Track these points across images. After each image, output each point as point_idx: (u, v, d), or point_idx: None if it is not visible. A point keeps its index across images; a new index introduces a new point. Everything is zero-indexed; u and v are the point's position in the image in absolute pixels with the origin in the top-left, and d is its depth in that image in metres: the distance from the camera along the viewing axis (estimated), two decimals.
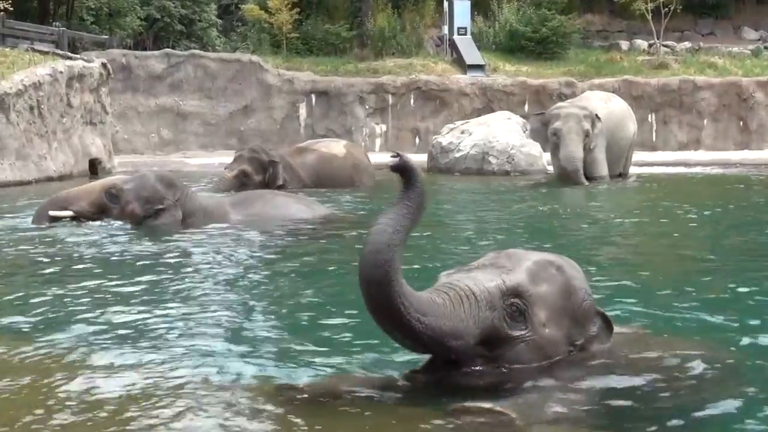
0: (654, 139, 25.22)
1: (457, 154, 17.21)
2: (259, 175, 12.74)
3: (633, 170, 16.22)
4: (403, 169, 2.92)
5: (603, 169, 14.75)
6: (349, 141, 17.48)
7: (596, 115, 14.43)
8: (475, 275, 3.16)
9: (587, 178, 14.42)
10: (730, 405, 3.11)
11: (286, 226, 8.27)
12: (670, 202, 11.58)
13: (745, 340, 4.02)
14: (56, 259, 6.52)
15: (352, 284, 5.36)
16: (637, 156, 16.97)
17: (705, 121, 25.79)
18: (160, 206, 7.92)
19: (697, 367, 3.36)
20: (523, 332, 3.11)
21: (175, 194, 8.06)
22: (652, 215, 10.25)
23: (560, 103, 15.82)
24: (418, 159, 19.92)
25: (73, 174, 16.36)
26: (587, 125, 14.30)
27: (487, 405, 2.87)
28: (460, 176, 16.36)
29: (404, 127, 24.86)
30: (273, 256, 6.87)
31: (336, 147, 14.43)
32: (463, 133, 17.71)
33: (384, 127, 24.84)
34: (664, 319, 4.47)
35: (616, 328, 3.48)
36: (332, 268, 6.32)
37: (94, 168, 17.58)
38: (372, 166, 14.59)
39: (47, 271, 6.07)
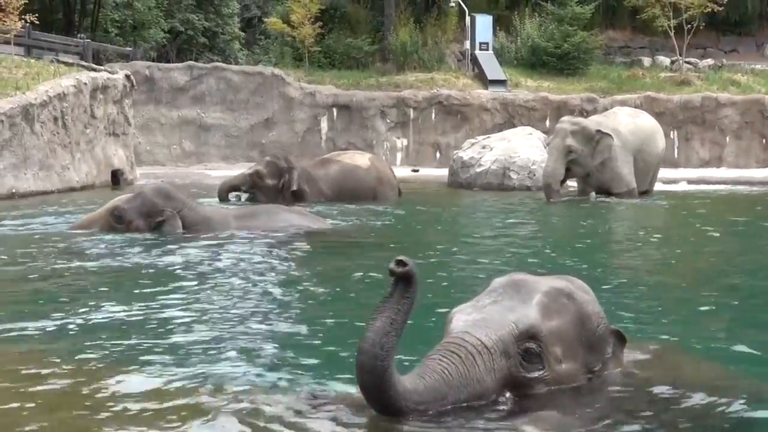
0: (676, 155, 25.12)
1: (478, 169, 17.19)
2: (272, 179, 12.80)
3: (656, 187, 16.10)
4: (407, 278, 2.86)
5: (623, 185, 14.55)
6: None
7: (599, 130, 14.13)
8: (484, 320, 3.07)
9: (607, 193, 14.40)
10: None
11: (283, 238, 8.37)
12: (691, 220, 11.53)
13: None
14: (75, 268, 6.57)
15: (357, 296, 5.40)
16: (659, 173, 16.85)
17: (727, 138, 25.69)
18: (161, 218, 8.32)
19: (718, 390, 3.33)
20: (540, 373, 3.05)
21: (175, 205, 8.46)
22: (669, 235, 10.20)
23: (564, 117, 15.70)
24: (438, 173, 20.01)
25: (95, 185, 16.46)
26: (571, 141, 14.07)
27: (508, 424, 2.87)
28: (480, 191, 16.31)
29: (425, 142, 24.89)
30: (275, 267, 6.86)
31: (360, 159, 14.24)
32: (484, 148, 17.69)
33: (405, 141, 24.87)
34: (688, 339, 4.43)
35: (641, 348, 3.46)
36: (336, 279, 6.32)
37: (117, 179, 17.67)
38: (396, 179, 14.49)
39: (74, 279, 6.12)
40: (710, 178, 21.30)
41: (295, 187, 12.68)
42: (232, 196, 13.02)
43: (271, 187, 12.76)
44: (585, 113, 22.86)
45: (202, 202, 10.81)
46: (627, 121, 14.98)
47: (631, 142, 14.70)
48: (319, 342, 4.38)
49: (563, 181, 14.43)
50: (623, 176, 14.54)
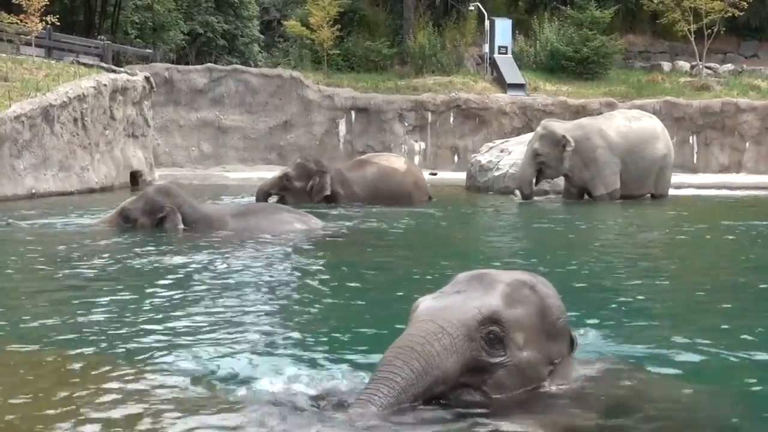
0: (695, 161, 25.05)
1: (496, 173, 17.17)
2: (300, 181, 12.81)
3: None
4: None
5: (603, 187, 14.68)
6: None
7: (563, 136, 14.31)
8: (448, 307, 3.14)
9: (588, 194, 14.86)
10: None
11: (279, 237, 8.57)
12: (679, 224, 11.52)
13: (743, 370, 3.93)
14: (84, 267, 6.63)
15: (357, 295, 5.42)
16: (677, 178, 16.77)
17: (747, 143, 25.56)
18: (162, 214, 8.82)
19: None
20: (502, 358, 3.10)
21: (176, 201, 8.94)
22: (674, 240, 10.15)
23: (544, 120, 15.96)
24: (456, 177, 20.00)
25: (114, 186, 16.57)
26: (538, 145, 14.42)
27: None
28: (498, 195, 16.28)
29: (443, 145, 24.90)
30: (269, 265, 6.91)
31: (396, 162, 14.11)
32: (502, 151, 17.69)
33: (423, 145, 24.89)
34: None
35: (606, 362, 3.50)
36: (335, 277, 6.34)
37: (135, 180, 17.78)
38: (427, 183, 14.47)
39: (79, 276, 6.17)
40: (729, 183, 21.11)
41: (328, 192, 12.69)
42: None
43: (298, 189, 12.77)
44: None
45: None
46: (620, 124, 14.96)
47: (619, 144, 14.70)
48: (320, 340, 4.39)
49: (536, 183, 14.86)
50: (604, 177, 14.65)
